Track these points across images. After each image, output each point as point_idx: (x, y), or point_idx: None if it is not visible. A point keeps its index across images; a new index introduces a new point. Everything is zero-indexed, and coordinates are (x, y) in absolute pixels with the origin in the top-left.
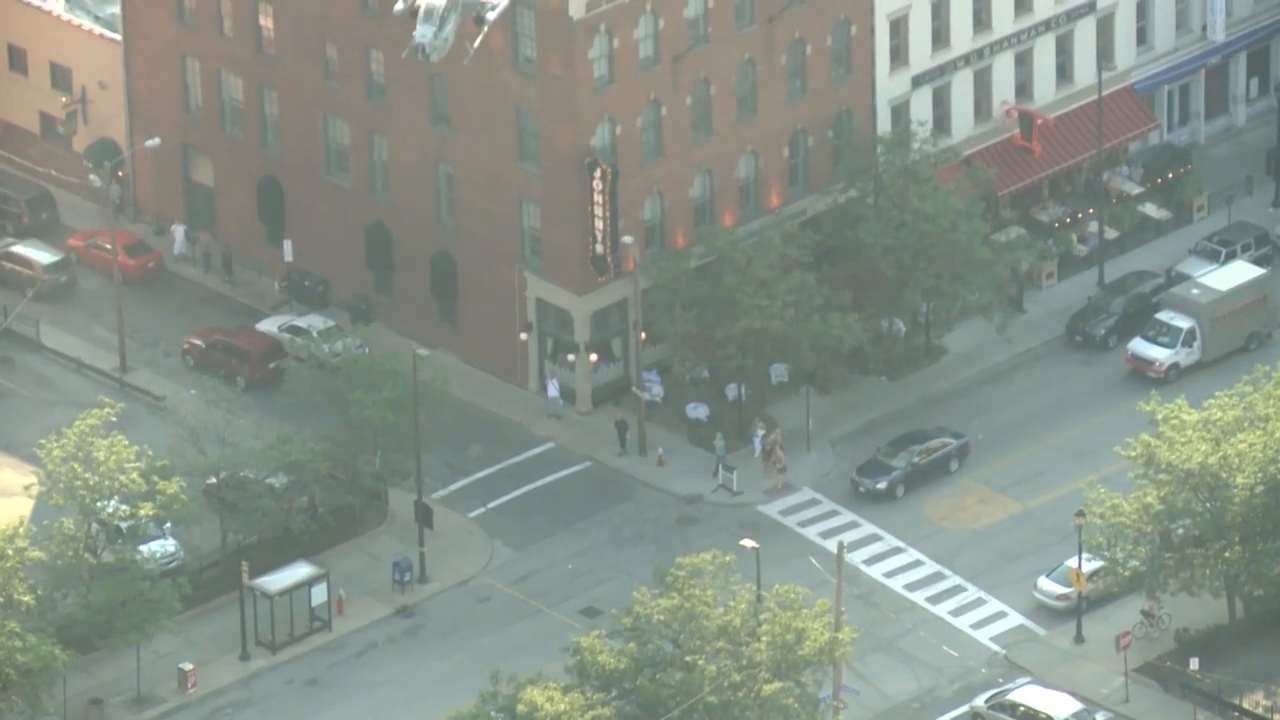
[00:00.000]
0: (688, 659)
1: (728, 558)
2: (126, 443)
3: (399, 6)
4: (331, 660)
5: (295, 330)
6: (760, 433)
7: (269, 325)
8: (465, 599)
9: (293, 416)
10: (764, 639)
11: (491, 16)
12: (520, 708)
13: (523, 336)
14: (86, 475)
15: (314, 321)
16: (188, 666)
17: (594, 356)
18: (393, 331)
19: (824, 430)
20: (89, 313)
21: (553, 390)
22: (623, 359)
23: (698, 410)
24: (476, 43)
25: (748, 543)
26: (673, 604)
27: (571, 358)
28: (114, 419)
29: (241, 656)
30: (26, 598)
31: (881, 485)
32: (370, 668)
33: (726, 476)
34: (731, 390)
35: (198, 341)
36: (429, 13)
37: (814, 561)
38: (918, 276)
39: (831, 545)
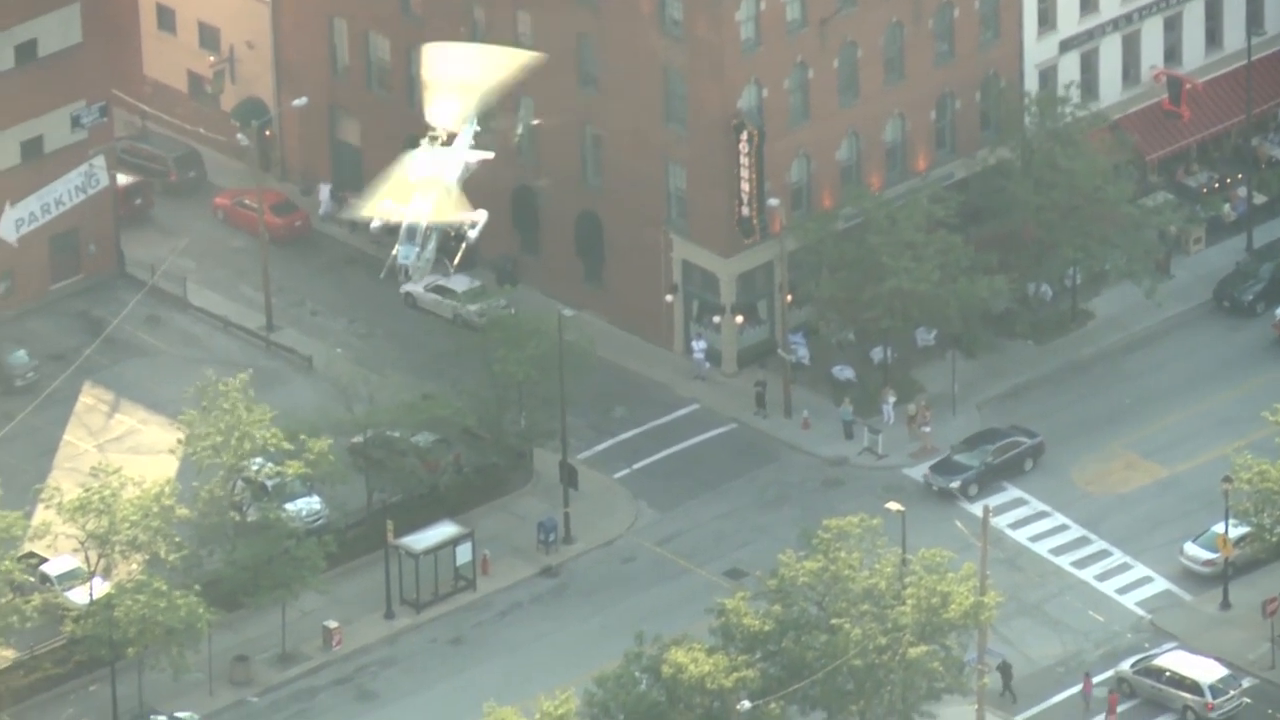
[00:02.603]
0: (833, 622)
1: (874, 521)
2: (260, 403)
3: (375, 224)
4: (476, 620)
5: (441, 290)
6: (891, 400)
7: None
8: (610, 560)
9: (437, 375)
10: (909, 602)
11: (473, 235)
12: (665, 669)
13: (668, 298)
14: (227, 435)
15: (460, 281)
16: (333, 624)
17: (740, 318)
18: (538, 292)
19: (969, 394)
20: (235, 271)
21: (698, 352)
22: (768, 321)
23: (844, 372)
24: (458, 259)
25: (893, 506)
26: (818, 566)
27: (717, 319)
28: (247, 386)
29: (386, 615)
30: (171, 557)
31: (955, 484)
32: (515, 627)
33: (872, 439)
34: (877, 353)
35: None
36: (410, 233)
37: (959, 525)
38: (1066, 237)
39: (977, 509)
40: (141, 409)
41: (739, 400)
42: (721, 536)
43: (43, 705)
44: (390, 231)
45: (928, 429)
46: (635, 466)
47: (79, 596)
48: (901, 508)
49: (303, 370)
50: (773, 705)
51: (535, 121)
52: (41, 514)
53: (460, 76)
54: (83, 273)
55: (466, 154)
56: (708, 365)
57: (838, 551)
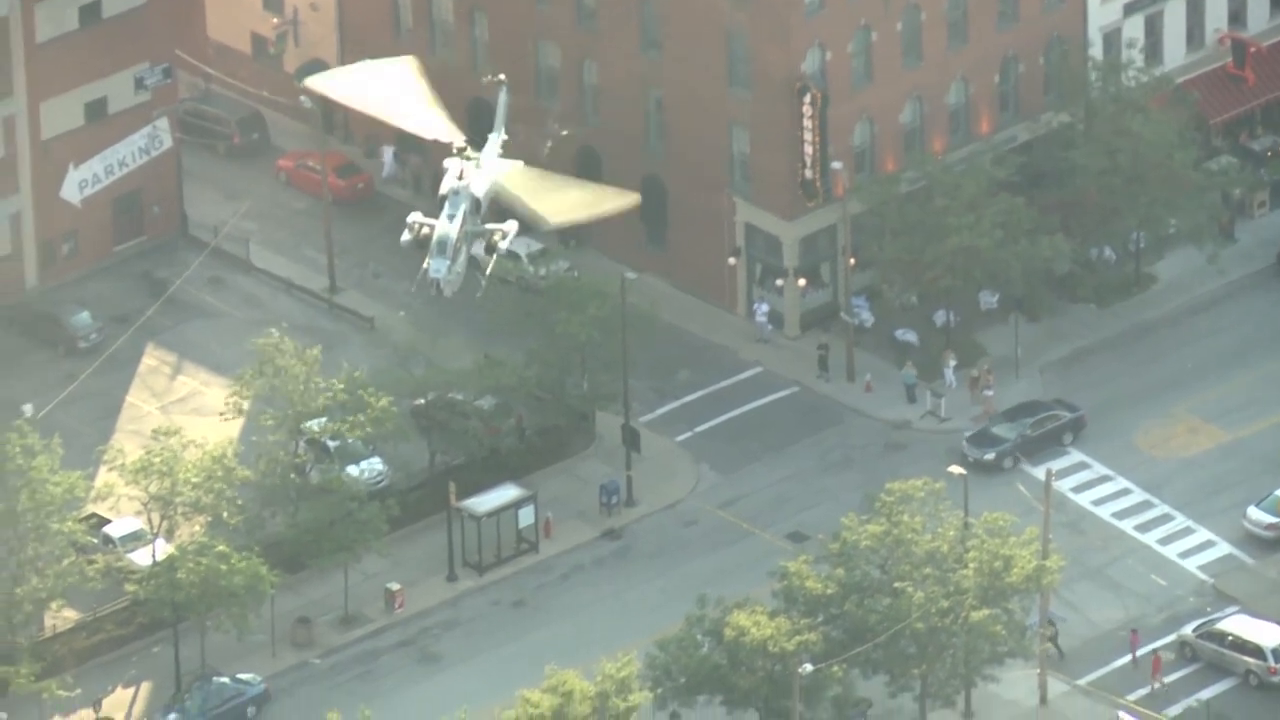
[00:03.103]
0: (895, 585)
1: (937, 484)
2: (316, 356)
3: (406, 237)
4: (538, 582)
5: (506, 252)
6: (953, 363)
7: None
8: (672, 522)
9: (499, 338)
10: (971, 566)
11: (503, 245)
12: (727, 631)
13: (731, 261)
14: (286, 389)
15: (523, 244)
16: (395, 586)
17: (803, 281)
18: (601, 255)
19: (1032, 357)
20: (298, 233)
21: (761, 315)
22: (831, 284)
23: (907, 336)
24: (489, 270)
25: (956, 469)
26: (881, 530)
27: (780, 283)
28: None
29: (448, 577)
30: (233, 519)
31: (990, 456)
32: (577, 590)
33: (935, 402)
34: (940, 316)
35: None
36: (442, 246)
37: (1022, 489)
38: (1130, 202)
39: (1039, 472)
40: (204, 371)
41: (801, 363)
42: (784, 500)
43: (106, 666)
44: (420, 245)
45: (990, 392)
46: (697, 429)
47: (141, 558)
48: (964, 471)
49: (365, 332)
50: (835, 668)
51: (564, 132)
52: (104, 475)
53: (380, 94)
54: (146, 234)
55: (495, 164)
56: (770, 328)
57: (900, 515)
